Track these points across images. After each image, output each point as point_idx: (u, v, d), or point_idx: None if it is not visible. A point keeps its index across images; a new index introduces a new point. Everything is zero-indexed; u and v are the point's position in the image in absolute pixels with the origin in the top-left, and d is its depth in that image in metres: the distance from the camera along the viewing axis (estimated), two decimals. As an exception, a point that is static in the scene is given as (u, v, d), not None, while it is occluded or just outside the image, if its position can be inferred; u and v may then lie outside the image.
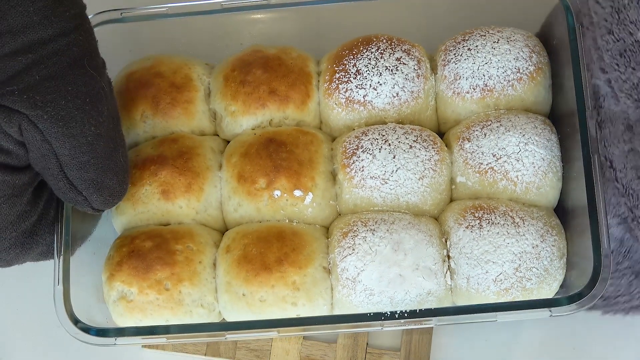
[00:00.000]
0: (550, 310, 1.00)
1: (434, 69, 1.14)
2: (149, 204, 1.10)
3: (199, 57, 1.20)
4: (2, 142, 0.92)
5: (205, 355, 1.16)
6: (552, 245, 1.04)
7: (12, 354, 1.20)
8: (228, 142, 1.16)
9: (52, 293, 1.04)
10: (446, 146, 1.11)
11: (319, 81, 1.15)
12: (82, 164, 0.96)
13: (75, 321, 1.03)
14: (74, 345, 1.19)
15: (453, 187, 1.11)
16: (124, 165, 1.01)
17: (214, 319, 1.08)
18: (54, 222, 1.06)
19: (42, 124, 0.91)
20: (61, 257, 1.05)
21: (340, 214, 1.12)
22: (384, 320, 1.01)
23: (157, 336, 1.03)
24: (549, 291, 1.05)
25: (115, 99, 1.01)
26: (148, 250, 1.06)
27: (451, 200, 1.12)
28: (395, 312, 1.01)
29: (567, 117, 1.11)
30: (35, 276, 1.17)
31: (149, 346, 1.15)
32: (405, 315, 1.01)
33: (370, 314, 1.01)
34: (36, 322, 1.19)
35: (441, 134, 1.15)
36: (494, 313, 1.00)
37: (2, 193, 0.95)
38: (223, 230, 1.14)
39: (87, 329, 1.03)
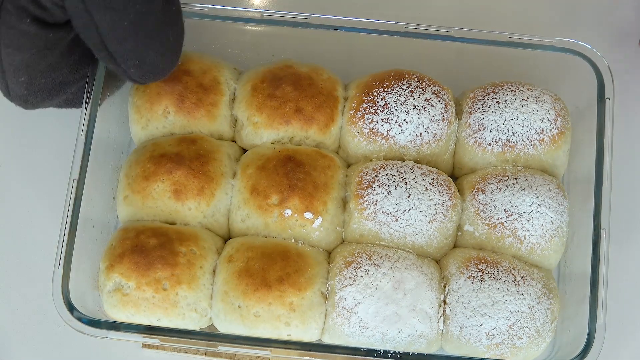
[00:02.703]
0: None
1: (458, 114, 1.15)
2: (158, 200, 1.10)
3: (229, 60, 1.20)
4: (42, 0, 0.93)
5: (205, 355, 1.16)
6: (547, 308, 1.06)
7: (12, 354, 1.19)
8: (244, 150, 1.17)
9: (52, 293, 1.04)
10: (458, 192, 1.13)
11: (344, 106, 1.15)
12: (122, 38, 0.98)
13: (71, 308, 1.03)
14: (73, 345, 1.19)
15: (459, 233, 1.12)
16: (172, 45, 1.04)
17: (203, 324, 1.09)
18: (84, 76, 1.09)
19: None
20: (65, 239, 1.05)
21: (344, 241, 1.12)
22: (376, 357, 1.02)
23: (151, 336, 1.04)
24: (536, 351, 1.07)
25: None
26: (152, 248, 1.06)
27: (454, 246, 1.13)
28: (389, 352, 1.02)
29: (580, 183, 1.13)
30: (36, 276, 1.17)
31: (149, 346, 1.14)
32: (398, 356, 1.02)
33: (363, 349, 1.03)
34: (36, 322, 1.19)
35: (454, 178, 1.17)
36: (485, 369, 1.02)
37: (35, 44, 0.98)
38: (226, 237, 1.14)
39: (80, 318, 1.03)
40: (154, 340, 1.04)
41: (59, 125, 1.24)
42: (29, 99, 1.07)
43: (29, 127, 1.27)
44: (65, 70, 1.06)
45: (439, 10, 1.33)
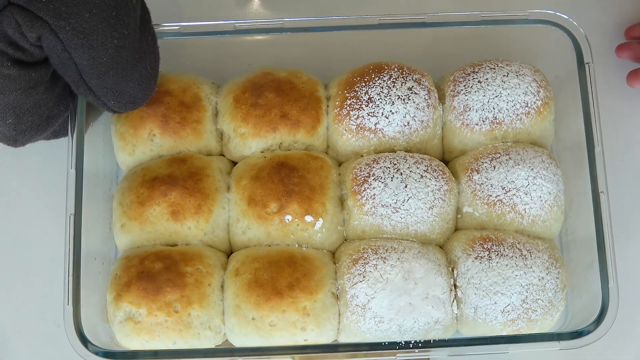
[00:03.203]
0: (559, 344, 1.03)
1: (441, 99, 1.16)
2: (157, 224, 1.09)
3: (205, 75, 1.19)
4: (19, 41, 0.92)
5: None
6: (556, 278, 1.07)
7: (12, 354, 1.19)
8: (234, 163, 1.16)
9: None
10: (452, 175, 1.13)
11: (328, 106, 1.15)
12: (101, 73, 0.98)
13: (85, 342, 1.03)
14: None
15: (459, 216, 1.12)
16: (149, 74, 1.04)
17: (218, 341, 1.08)
18: (69, 105, 1.09)
19: (63, 34, 0.92)
20: (71, 276, 1.04)
21: (346, 240, 1.12)
22: (398, 349, 1.03)
23: (169, 360, 1.04)
24: (551, 322, 1.07)
25: (146, 10, 1.02)
26: (158, 272, 1.06)
27: (455, 229, 1.14)
28: (410, 342, 1.03)
29: (569, 150, 1.14)
30: (36, 276, 1.16)
31: None
32: (420, 345, 1.03)
33: (384, 343, 1.03)
34: (36, 322, 1.18)
35: (445, 162, 1.17)
36: (506, 345, 1.03)
37: (19, 86, 0.97)
38: (228, 251, 1.14)
39: (97, 352, 1.03)
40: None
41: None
42: (17, 138, 1.06)
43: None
44: (51, 103, 1.05)
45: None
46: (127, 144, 1.14)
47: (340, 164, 1.16)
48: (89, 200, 1.09)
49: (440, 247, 1.12)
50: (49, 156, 1.24)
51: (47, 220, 1.22)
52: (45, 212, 1.23)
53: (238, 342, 1.07)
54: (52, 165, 1.24)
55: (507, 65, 1.14)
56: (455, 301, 1.06)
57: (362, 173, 1.10)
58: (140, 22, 0.99)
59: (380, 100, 1.11)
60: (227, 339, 1.09)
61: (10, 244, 1.23)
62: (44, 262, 1.16)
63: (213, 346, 1.08)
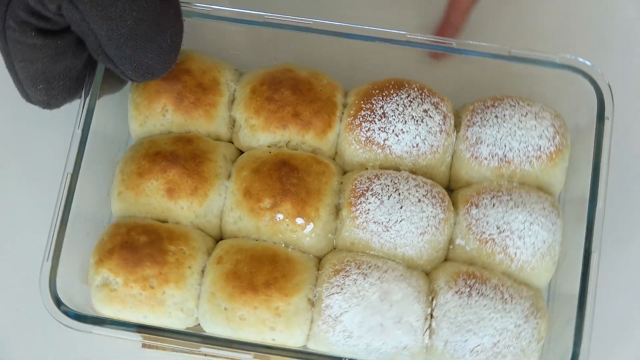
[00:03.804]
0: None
1: (457, 126, 1.15)
2: (151, 197, 1.10)
3: (230, 61, 1.19)
4: (41, 10, 0.94)
5: (205, 356, 1.15)
6: (534, 328, 1.05)
7: (12, 354, 1.20)
8: (241, 152, 1.17)
9: (39, 286, 1.04)
10: (452, 204, 1.12)
11: (343, 113, 1.15)
12: (120, 44, 0.99)
13: (58, 301, 1.04)
14: (73, 345, 1.20)
15: (450, 247, 1.11)
16: (169, 47, 1.04)
17: (190, 324, 1.09)
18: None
19: (82, 5, 0.94)
20: (55, 233, 1.05)
21: (335, 248, 1.12)
22: (359, 368, 1.03)
23: (136, 333, 1.04)
24: (520, 371, 1.06)
25: None
26: (141, 245, 1.06)
27: (446, 259, 1.13)
28: (370, 362, 1.03)
29: (575, 202, 1.12)
30: (36, 275, 1.17)
31: (149, 346, 1.14)
32: (381, 368, 1.02)
33: (345, 359, 1.02)
34: (36, 321, 1.19)
35: (449, 191, 1.16)
36: (466, 386, 1.02)
37: (46, 54, 1.00)
38: (218, 237, 1.14)
39: (67, 312, 1.04)
40: (132, 336, 1.05)
41: (57, 125, 1.23)
42: (50, 101, 1.08)
43: (26, 129, 1.29)
44: (80, 66, 1.07)
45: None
46: (140, 114, 1.15)
47: (345, 173, 1.15)
48: (93, 162, 1.11)
49: (427, 274, 1.11)
50: (50, 155, 1.24)
51: (47, 220, 1.21)
52: (45, 213, 1.17)
53: (208, 328, 1.08)
54: (55, 166, 1.18)
55: (528, 104, 1.13)
56: (428, 331, 1.05)
57: (362, 186, 1.09)
58: None
59: (393, 117, 1.11)
60: (199, 324, 1.10)
61: (10, 243, 1.25)
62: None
63: (183, 327, 1.09)
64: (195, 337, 1.05)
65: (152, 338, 1.04)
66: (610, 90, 1.11)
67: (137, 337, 1.04)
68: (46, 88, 1.05)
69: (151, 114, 1.14)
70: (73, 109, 1.12)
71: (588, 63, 1.12)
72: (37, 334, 1.20)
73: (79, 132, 1.09)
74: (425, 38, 1.14)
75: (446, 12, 1.22)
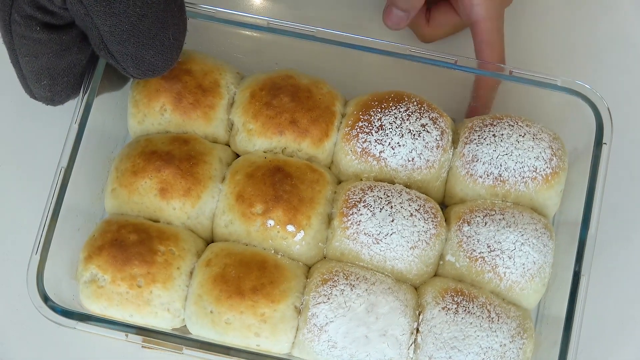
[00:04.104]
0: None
1: (454, 142, 1.14)
2: (144, 196, 1.10)
3: (233, 64, 1.19)
4: (46, 5, 0.94)
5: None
6: (519, 348, 1.05)
7: (12, 354, 1.20)
8: (237, 155, 1.17)
9: (26, 279, 1.04)
10: (445, 220, 1.12)
11: (341, 122, 1.15)
12: (122, 40, 0.99)
13: (45, 297, 1.04)
14: (73, 345, 1.20)
15: (441, 262, 1.11)
16: (172, 44, 1.04)
17: (176, 325, 1.09)
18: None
19: (86, 0, 0.94)
20: (45, 226, 1.06)
21: (325, 258, 1.12)
22: (340, 379, 1.02)
23: (119, 331, 1.04)
24: (502, 391, 1.06)
25: None
26: (131, 244, 1.06)
27: (435, 274, 1.12)
28: (353, 374, 1.02)
29: (569, 225, 1.12)
30: None
31: (149, 347, 1.14)
32: (362, 380, 1.02)
33: (328, 369, 1.02)
34: (36, 321, 1.19)
35: (444, 206, 1.16)
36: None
37: (51, 49, 1.00)
38: (209, 240, 1.14)
39: (54, 307, 1.04)
40: (118, 335, 1.04)
41: (58, 123, 1.23)
42: (54, 98, 1.09)
43: (26, 127, 1.29)
44: (85, 61, 1.08)
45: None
46: (138, 111, 1.15)
47: (339, 182, 1.15)
48: (89, 158, 1.11)
49: (415, 289, 1.10)
50: (49, 154, 1.22)
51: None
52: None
53: (194, 330, 1.07)
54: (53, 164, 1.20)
55: (527, 125, 1.12)
56: (413, 345, 1.05)
57: (355, 197, 1.09)
58: None
59: (390, 129, 1.10)
60: (185, 325, 1.09)
61: (10, 243, 1.25)
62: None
63: (169, 328, 1.09)
64: (179, 338, 1.05)
65: (135, 337, 1.04)
66: (610, 114, 1.10)
67: (121, 336, 1.04)
68: (50, 84, 1.05)
69: (150, 112, 1.14)
70: (74, 106, 1.12)
71: (588, 87, 1.11)
72: (37, 334, 1.20)
73: (75, 126, 1.09)
74: (428, 52, 1.13)
75: (473, 92, 1.21)
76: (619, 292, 1.23)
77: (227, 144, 1.18)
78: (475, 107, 1.21)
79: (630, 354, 1.21)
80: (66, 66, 1.05)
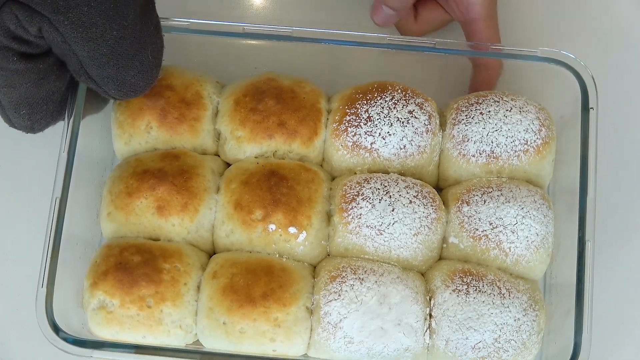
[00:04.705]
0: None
1: (442, 125, 1.15)
2: (142, 216, 1.10)
3: (211, 74, 1.19)
4: (22, 34, 0.93)
5: None
6: (533, 320, 1.05)
7: (12, 354, 1.20)
8: (228, 164, 1.16)
9: (35, 313, 1.04)
10: (443, 204, 1.12)
11: (327, 119, 1.15)
12: (102, 64, 0.98)
13: (56, 328, 1.03)
14: None
15: (444, 246, 1.12)
16: (151, 63, 1.03)
17: (189, 340, 1.09)
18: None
19: (62, 28, 0.93)
20: (48, 259, 1.05)
21: (329, 255, 1.12)
22: (362, 372, 1.02)
23: (136, 354, 1.04)
24: (522, 364, 1.07)
25: None
26: (136, 265, 1.06)
27: (440, 258, 1.13)
28: (374, 366, 1.03)
29: (565, 193, 1.12)
30: (35, 275, 1.17)
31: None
32: (384, 371, 1.02)
33: (349, 364, 1.03)
34: (36, 322, 1.18)
35: (439, 190, 1.16)
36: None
37: (30, 79, 0.99)
38: (210, 252, 1.14)
39: (66, 338, 1.04)
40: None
41: (41, 140, 1.22)
42: (34, 126, 1.08)
43: (11, 143, 1.28)
44: (63, 88, 1.07)
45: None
46: (124, 132, 1.14)
47: (333, 179, 1.15)
48: (80, 184, 1.10)
49: (422, 275, 1.11)
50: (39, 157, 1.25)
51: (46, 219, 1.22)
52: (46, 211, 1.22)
53: (208, 344, 1.07)
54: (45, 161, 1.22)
55: (512, 99, 1.13)
56: (428, 331, 1.06)
57: (352, 191, 1.09)
58: (141, 10, 0.99)
59: (379, 120, 1.11)
60: (198, 339, 1.09)
61: (10, 243, 1.24)
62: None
63: (183, 344, 1.08)
64: (195, 353, 1.05)
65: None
66: (594, 80, 1.11)
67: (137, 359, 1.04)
68: (29, 113, 1.04)
69: (135, 132, 1.14)
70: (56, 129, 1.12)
71: (570, 55, 1.12)
72: (37, 334, 1.19)
73: (64, 155, 1.08)
74: (406, 40, 1.14)
75: (474, 77, 1.23)
76: (619, 292, 1.23)
77: (217, 154, 1.18)
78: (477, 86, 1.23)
79: (630, 354, 1.22)
80: (45, 94, 1.04)
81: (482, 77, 1.21)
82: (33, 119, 1.06)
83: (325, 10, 1.34)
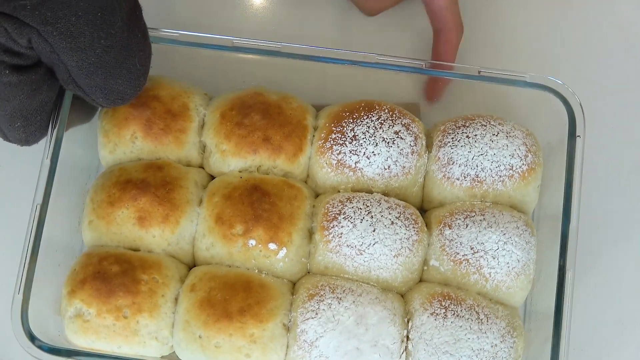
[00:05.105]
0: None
1: (428, 146, 1.14)
2: (123, 226, 1.09)
3: (199, 85, 1.19)
4: (12, 46, 0.93)
5: None
6: (511, 347, 1.05)
7: (12, 354, 1.20)
8: (212, 177, 1.16)
9: (11, 319, 1.04)
10: (426, 225, 1.12)
11: (313, 136, 1.14)
12: (90, 73, 0.98)
13: (31, 335, 1.03)
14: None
15: (425, 268, 1.11)
16: (139, 71, 1.04)
17: (165, 352, 1.08)
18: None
19: (51, 39, 0.93)
20: (25, 265, 1.05)
21: (309, 272, 1.11)
22: (335, 393, 1.02)
23: (106, 363, 1.04)
24: (497, 390, 1.06)
25: (137, 6, 1.02)
26: (114, 275, 1.06)
27: (420, 280, 1.12)
28: (347, 388, 1.02)
29: (549, 219, 1.12)
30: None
31: None
32: (357, 393, 1.02)
33: (322, 385, 1.02)
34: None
35: (423, 211, 1.16)
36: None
37: (23, 90, 0.99)
38: (191, 264, 1.14)
39: (41, 345, 1.03)
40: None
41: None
42: (29, 138, 1.08)
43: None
44: (54, 98, 1.07)
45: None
46: (109, 141, 1.14)
47: (317, 195, 1.15)
48: (63, 191, 1.10)
49: (402, 296, 1.10)
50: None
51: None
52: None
53: (184, 356, 1.07)
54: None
55: (499, 124, 1.12)
56: (404, 353, 1.05)
57: (334, 210, 1.09)
58: (128, 19, 0.99)
59: (364, 139, 1.10)
60: (174, 351, 1.09)
61: (10, 242, 1.22)
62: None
63: (158, 356, 1.08)
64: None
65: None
66: (582, 107, 1.11)
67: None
68: (24, 125, 1.04)
69: (120, 141, 1.13)
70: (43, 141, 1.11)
71: (558, 81, 1.12)
72: None
73: (47, 162, 1.08)
74: (394, 59, 1.13)
75: (435, 37, 1.22)
76: (618, 292, 1.23)
77: (201, 167, 1.17)
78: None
79: (630, 354, 1.21)
80: (38, 105, 1.04)
81: (443, 40, 1.20)
82: (28, 131, 1.06)
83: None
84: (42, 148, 1.09)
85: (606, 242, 1.25)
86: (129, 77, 1.02)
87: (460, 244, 1.08)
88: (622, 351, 1.21)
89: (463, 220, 1.09)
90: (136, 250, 1.10)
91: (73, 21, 0.93)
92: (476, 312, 1.05)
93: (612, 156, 1.28)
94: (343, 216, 1.08)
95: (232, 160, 1.13)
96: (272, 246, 1.08)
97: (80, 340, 1.06)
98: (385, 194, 1.12)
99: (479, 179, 1.11)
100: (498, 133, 1.11)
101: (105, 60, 0.98)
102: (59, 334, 1.08)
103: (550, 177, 1.13)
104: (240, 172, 1.13)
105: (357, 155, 1.10)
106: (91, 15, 0.94)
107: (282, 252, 1.08)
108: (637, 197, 1.27)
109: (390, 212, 1.08)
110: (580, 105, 1.11)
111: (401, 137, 1.11)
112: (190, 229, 1.11)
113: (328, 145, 1.11)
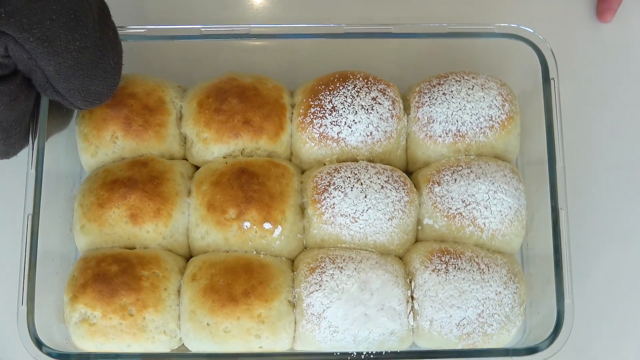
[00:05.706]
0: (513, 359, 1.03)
1: (406, 109, 1.15)
2: (115, 226, 1.09)
3: (173, 78, 1.19)
4: None
5: None
6: (514, 293, 1.06)
7: (12, 354, 1.20)
8: (197, 167, 1.16)
9: (18, 331, 1.03)
10: (414, 187, 1.13)
11: (292, 113, 1.15)
12: (68, 76, 0.98)
13: (39, 344, 1.03)
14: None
15: (419, 228, 1.12)
16: (113, 69, 1.04)
17: (174, 345, 1.08)
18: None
19: (28, 45, 0.93)
20: (25, 276, 1.04)
21: (306, 248, 1.12)
22: (350, 360, 1.03)
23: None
24: (507, 337, 1.07)
25: (104, 5, 1.03)
26: (114, 275, 1.05)
27: (416, 240, 1.13)
28: (362, 353, 1.02)
29: (533, 165, 1.13)
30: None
31: None
32: (372, 356, 1.02)
33: (336, 353, 1.03)
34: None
35: (409, 173, 1.17)
36: (460, 359, 1.03)
37: (3, 101, 0.99)
38: (187, 256, 1.14)
39: (50, 353, 1.03)
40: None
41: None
42: (9, 151, 1.07)
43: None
44: (31, 108, 1.07)
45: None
46: (90, 145, 1.14)
47: (303, 172, 1.15)
48: (50, 200, 1.09)
49: (400, 258, 1.11)
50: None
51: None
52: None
53: (193, 347, 1.07)
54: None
55: (473, 78, 1.14)
56: (411, 313, 1.06)
57: (323, 182, 1.09)
58: (99, 18, 0.99)
59: (343, 109, 1.11)
60: (183, 344, 1.09)
61: (11, 241, 1.21)
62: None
63: (168, 350, 1.08)
64: (182, 357, 1.05)
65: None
66: (552, 52, 1.12)
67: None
68: (4, 137, 1.04)
69: (101, 143, 1.13)
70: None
71: (528, 29, 1.13)
72: None
73: (32, 171, 1.08)
74: (364, 28, 1.14)
75: None
76: (619, 292, 1.23)
77: (184, 158, 1.18)
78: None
79: (630, 354, 1.22)
80: (17, 116, 1.03)
81: None
82: (8, 143, 1.05)
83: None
84: (22, 159, 1.09)
85: (606, 242, 1.26)
86: (104, 76, 1.03)
87: (452, 199, 1.09)
88: (622, 351, 1.22)
89: (451, 175, 1.10)
90: (132, 248, 1.10)
91: (48, 25, 0.93)
92: (476, 262, 1.06)
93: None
94: (333, 187, 1.08)
95: (215, 147, 1.13)
96: (267, 226, 1.08)
97: (89, 345, 1.06)
98: (370, 160, 1.13)
99: (460, 134, 1.12)
100: (473, 87, 1.13)
101: (82, 61, 0.98)
102: (66, 342, 1.08)
103: (528, 125, 1.15)
104: (224, 157, 1.14)
105: (339, 125, 1.11)
106: (65, 17, 0.94)
107: (278, 231, 1.08)
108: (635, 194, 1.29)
109: (379, 177, 1.09)
110: (551, 50, 1.12)
111: (379, 103, 1.12)
112: (182, 221, 1.11)
113: (308, 120, 1.12)
